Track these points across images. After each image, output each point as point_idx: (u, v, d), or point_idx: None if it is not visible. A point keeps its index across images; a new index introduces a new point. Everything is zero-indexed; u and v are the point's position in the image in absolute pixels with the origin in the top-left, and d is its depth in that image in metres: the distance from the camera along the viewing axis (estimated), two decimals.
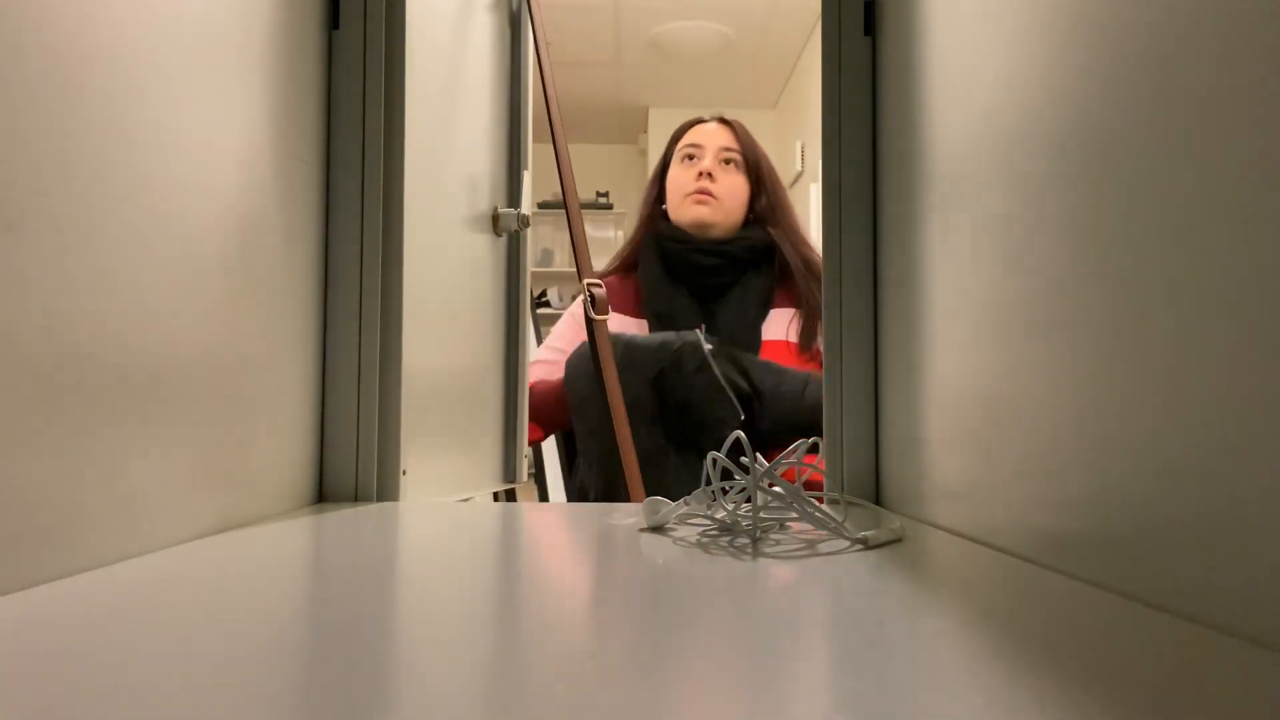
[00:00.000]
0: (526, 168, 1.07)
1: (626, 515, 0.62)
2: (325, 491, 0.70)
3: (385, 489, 0.71)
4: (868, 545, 0.49)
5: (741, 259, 1.30)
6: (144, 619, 0.32)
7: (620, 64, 4.18)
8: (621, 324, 1.27)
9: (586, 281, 1.07)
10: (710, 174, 1.33)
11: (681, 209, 1.34)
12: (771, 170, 1.39)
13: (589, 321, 1.06)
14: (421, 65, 0.76)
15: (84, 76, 0.39)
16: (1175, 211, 0.32)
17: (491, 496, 1.05)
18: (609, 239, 5.19)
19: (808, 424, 1.05)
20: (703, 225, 1.31)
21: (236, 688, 0.24)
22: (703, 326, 1.19)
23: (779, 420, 1.12)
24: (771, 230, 1.33)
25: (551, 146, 1.07)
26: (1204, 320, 0.31)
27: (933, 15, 0.59)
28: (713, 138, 1.37)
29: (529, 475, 1.19)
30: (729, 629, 0.32)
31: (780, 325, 1.28)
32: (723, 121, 1.41)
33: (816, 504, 0.53)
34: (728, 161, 1.35)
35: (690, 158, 1.37)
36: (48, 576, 0.37)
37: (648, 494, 0.95)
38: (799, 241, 1.34)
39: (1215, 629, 0.30)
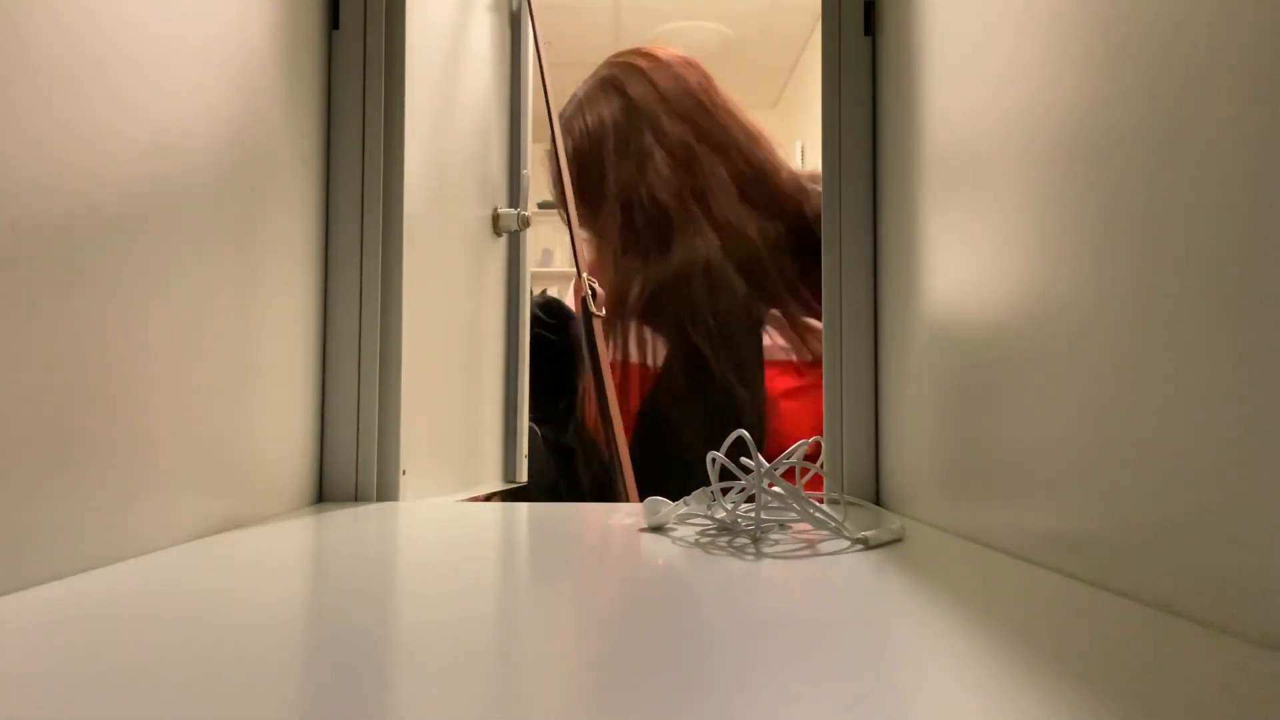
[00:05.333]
0: (526, 168, 1.07)
1: (626, 515, 0.62)
2: (325, 491, 0.70)
3: (385, 489, 0.71)
4: (868, 545, 0.49)
5: None
6: (144, 619, 0.32)
7: None
8: None
9: (585, 276, 1.06)
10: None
11: None
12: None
13: (587, 316, 1.05)
14: (421, 65, 0.76)
15: (81, 73, 0.39)
16: (1180, 209, 0.32)
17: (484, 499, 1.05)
18: None
19: None
20: None
21: (236, 688, 0.24)
22: None
23: None
24: None
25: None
26: (1207, 319, 0.31)
27: (933, 15, 0.59)
28: None
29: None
30: (730, 629, 0.32)
31: None
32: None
33: (817, 504, 0.53)
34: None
35: None
36: (48, 576, 0.37)
37: None
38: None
39: (1215, 629, 0.30)
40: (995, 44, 0.49)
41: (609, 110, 1.14)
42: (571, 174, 1.10)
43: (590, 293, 1.04)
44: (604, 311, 1.06)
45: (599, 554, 0.50)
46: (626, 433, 1.04)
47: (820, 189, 0.93)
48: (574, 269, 1.08)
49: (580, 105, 1.16)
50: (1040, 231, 0.43)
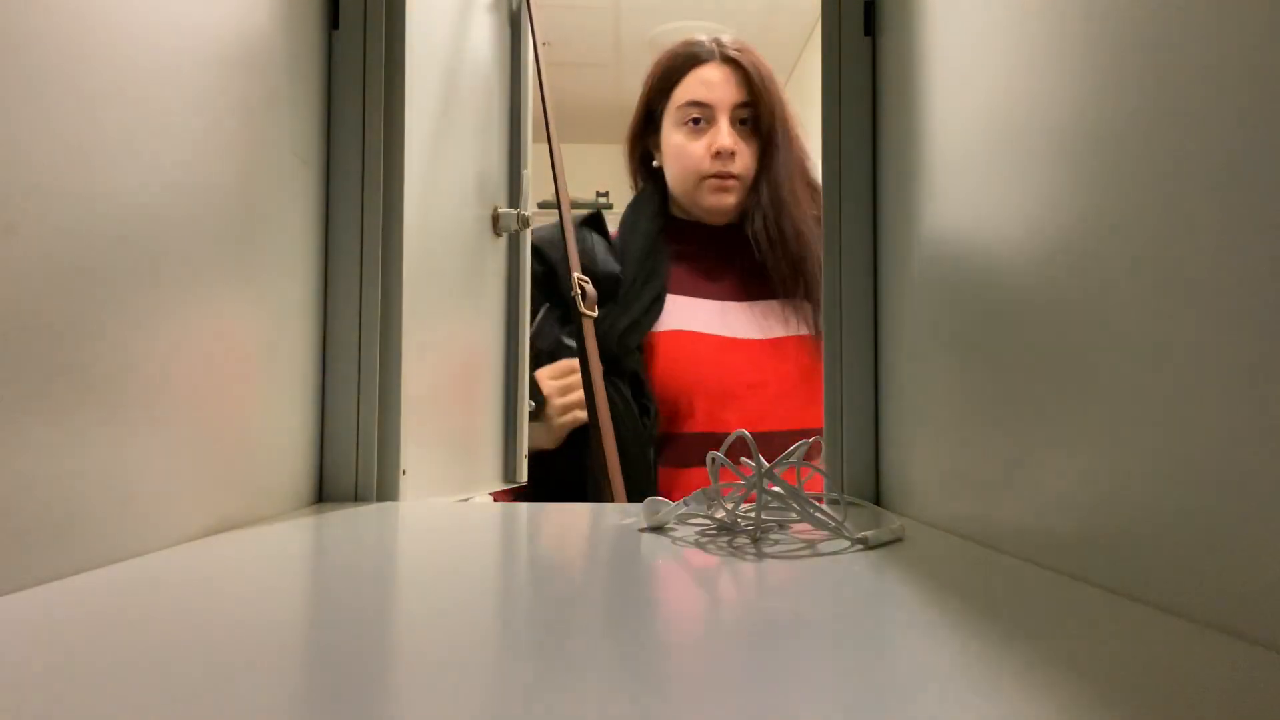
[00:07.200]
0: (526, 168, 1.06)
1: (626, 515, 0.62)
2: (325, 491, 0.70)
3: (385, 489, 0.71)
4: (868, 545, 0.49)
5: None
6: (144, 619, 0.32)
7: (620, 64, 4.17)
8: None
9: (576, 276, 1.07)
10: (733, 151, 1.10)
11: (698, 193, 1.13)
12: (784, 107, 1.13)
13: (577, 316, 1.05)
14: (421, 65, 0.76)
15: (79, 79, 0.39)
16: (1180, 210, 0.32)
17: (490, 497, 1.05)
18: None
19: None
20: (725, 212, 1.13)
21: (236, 688, 0.24)
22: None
23: None
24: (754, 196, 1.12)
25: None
26: (1207, 319, 0.31)
27: (933, 15, 0.59)
28: (723, 91, 1.11)
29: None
30: (730, 629, 0.32)
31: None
32: (728, 60, 1.13)
33: (817, 504, 0.53)
34: (744, 122, 1.12)
35: (696, 121, 1.12)
36: (48, 576, 0.37)
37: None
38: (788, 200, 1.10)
39: (1215, 629, 0.30)
40: (996, 43, 0.49)
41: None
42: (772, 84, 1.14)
43: (580, 292, 1.05)
44: (595, 311, 1.06)
45: (599, 554, 0.50)
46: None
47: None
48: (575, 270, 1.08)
49: (751, 51, 1.18)
50: (1042, 231, 0.43)
